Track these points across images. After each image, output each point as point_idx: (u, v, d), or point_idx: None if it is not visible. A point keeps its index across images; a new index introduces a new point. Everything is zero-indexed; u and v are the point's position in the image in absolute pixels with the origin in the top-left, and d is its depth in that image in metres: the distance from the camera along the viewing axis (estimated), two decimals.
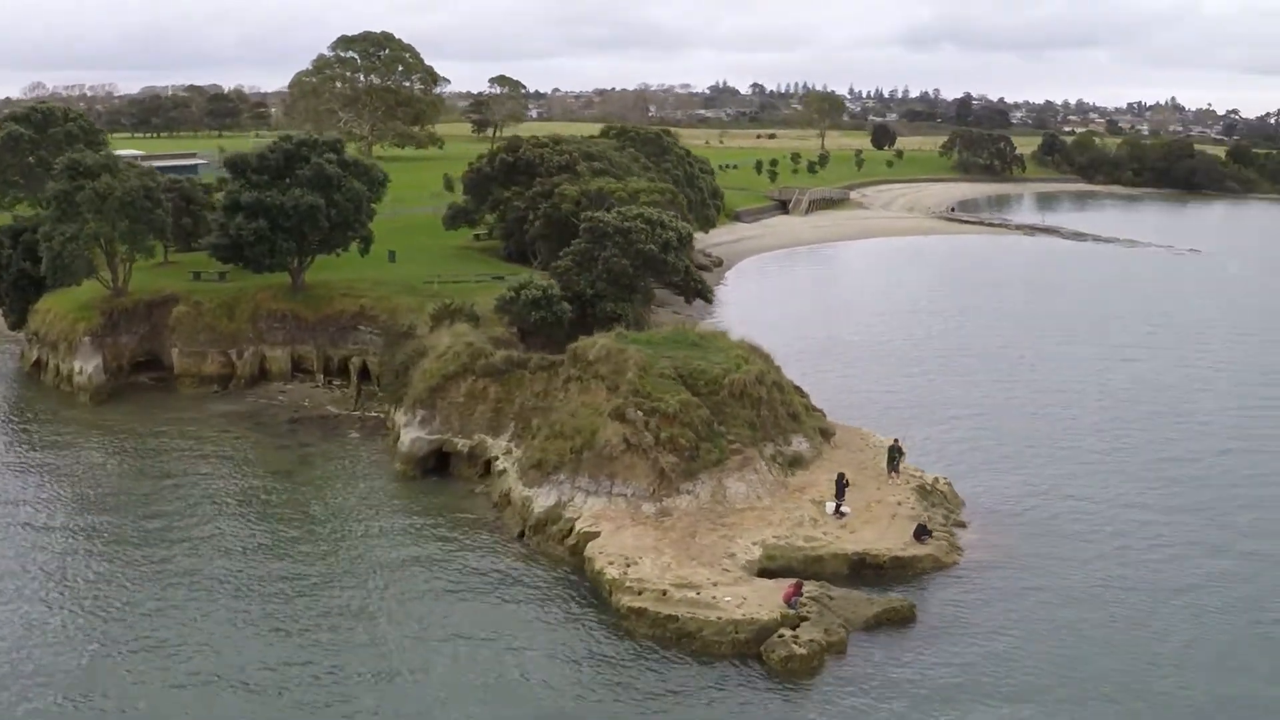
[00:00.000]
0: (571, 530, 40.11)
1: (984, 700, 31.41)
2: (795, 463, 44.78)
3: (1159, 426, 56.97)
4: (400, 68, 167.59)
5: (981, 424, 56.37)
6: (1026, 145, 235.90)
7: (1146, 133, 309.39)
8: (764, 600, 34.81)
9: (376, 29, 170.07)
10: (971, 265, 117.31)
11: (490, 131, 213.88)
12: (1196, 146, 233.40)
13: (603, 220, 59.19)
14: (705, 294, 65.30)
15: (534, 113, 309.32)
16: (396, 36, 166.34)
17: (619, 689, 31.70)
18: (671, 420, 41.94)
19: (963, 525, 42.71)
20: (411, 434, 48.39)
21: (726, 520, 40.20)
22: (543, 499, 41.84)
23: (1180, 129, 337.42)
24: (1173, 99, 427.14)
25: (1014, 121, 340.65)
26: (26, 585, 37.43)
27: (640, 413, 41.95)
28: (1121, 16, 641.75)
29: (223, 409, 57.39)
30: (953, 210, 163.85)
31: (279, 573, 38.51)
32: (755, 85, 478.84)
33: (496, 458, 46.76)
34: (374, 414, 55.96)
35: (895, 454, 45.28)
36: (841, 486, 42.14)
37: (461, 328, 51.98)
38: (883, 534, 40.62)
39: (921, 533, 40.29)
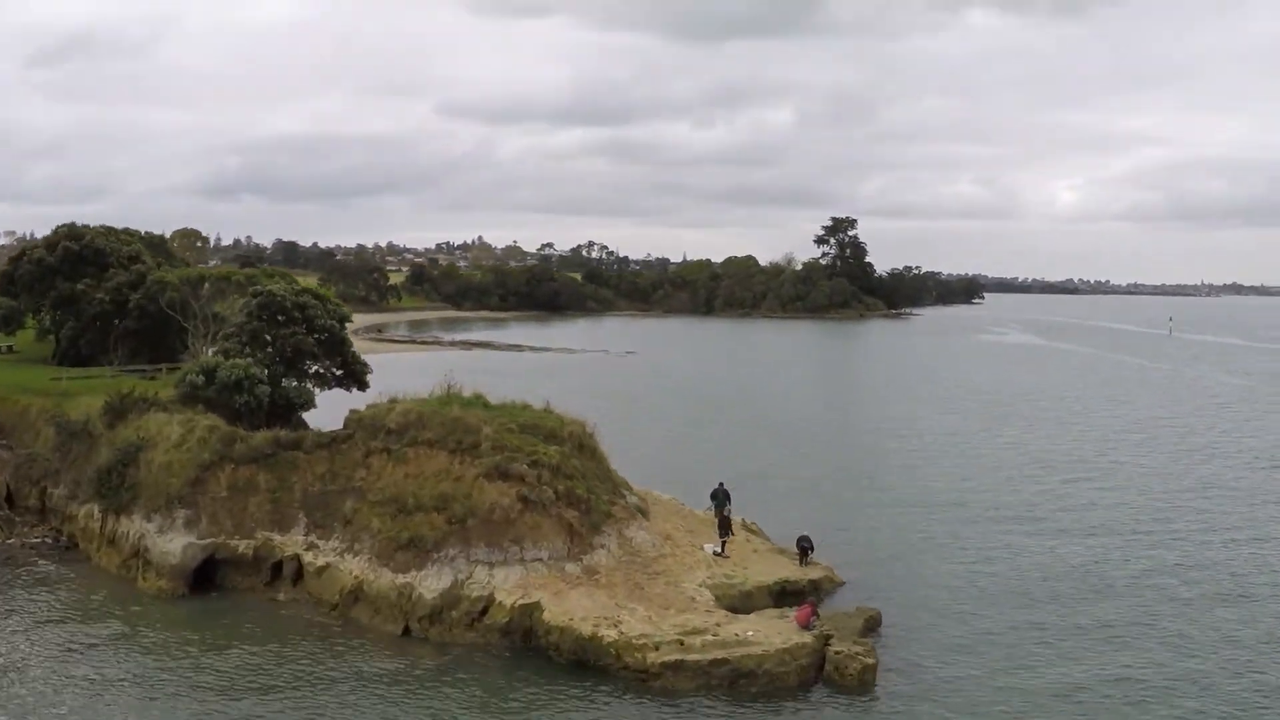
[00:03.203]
0: (487, 609, 33.72)
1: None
2: (642, 512, 41.79)
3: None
4: None
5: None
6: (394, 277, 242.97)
7: (465, 265, 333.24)
8: (777, 629, 32.26)
9: None
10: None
11: None
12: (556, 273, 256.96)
13: (276, 294, 50.93)
14: (364, 380, 58.28)
15: None
16: None
17: None
18: (557, 472, 37.22)
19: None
20: (177, 541, 37.41)
21: (652, 569, 36.48)
22: (431, 582, 34.60)
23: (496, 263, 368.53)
24: (479, 238, 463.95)
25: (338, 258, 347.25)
26: None
27: (527, 467, 36.70)
28: (418, 166, 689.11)
29: None
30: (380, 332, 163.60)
31: None
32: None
33: (297, 556, 37.75)
34: (36, 539, 42.18)
35: (721, 496, 44.14)
36: (726, 525, 40.24)
37: (188, 415, 41.51)
38: (774, 564, 39.61)
39: (803, 543, 40.17)
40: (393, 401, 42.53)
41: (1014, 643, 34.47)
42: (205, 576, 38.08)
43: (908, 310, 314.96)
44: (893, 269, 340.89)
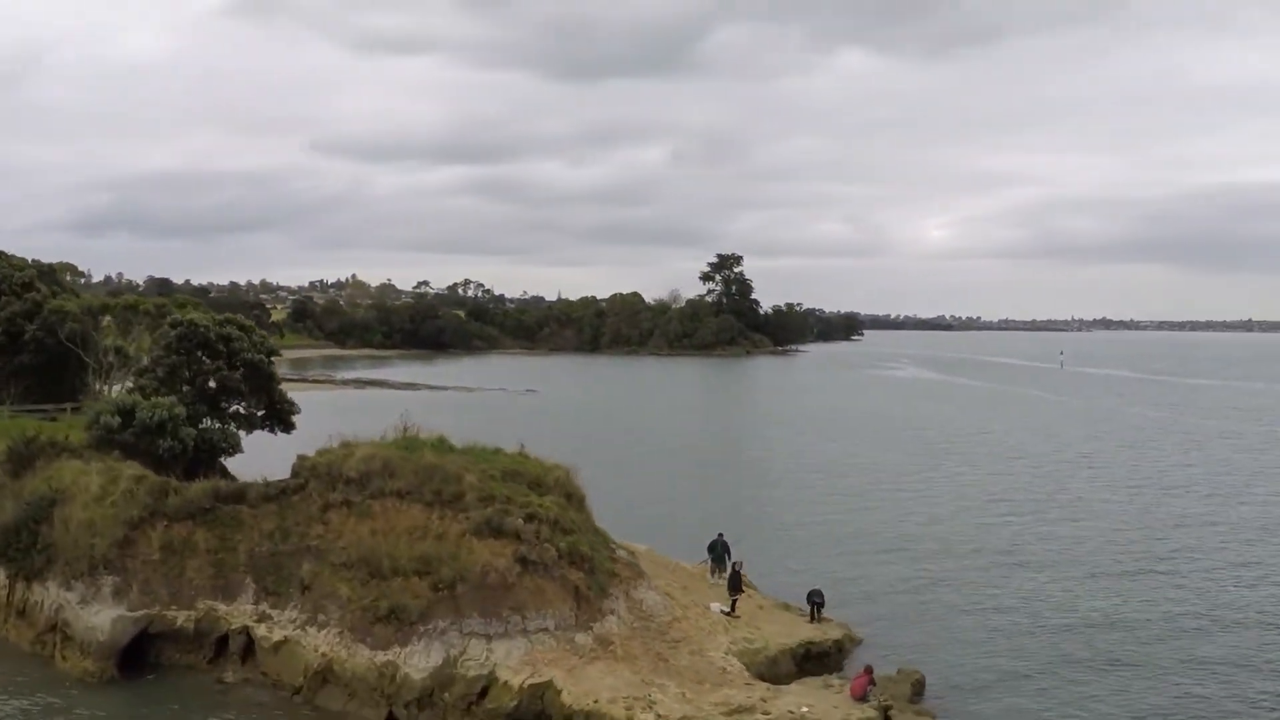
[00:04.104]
0: (488, 690, 28.69)
1: None
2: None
3: None
4: None
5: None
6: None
7: (343, 303, 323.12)
8: (832, 702, 28.07)
9: None
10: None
11: None
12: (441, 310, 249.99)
13: (199, 324, 45.03)
14: (290, 421, 52.17)
15: None
16: None
17: None
18: (556, 527, 32.41)
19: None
20: (104, 613, 31.35)
21: (669, 636, 31.91)
22: (419, 660, 29.37)
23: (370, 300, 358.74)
24: (354, 275, 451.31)
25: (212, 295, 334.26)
26: None
27: (522, 521, 31.81)
28: (291, 203, 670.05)
29: None
30: None
31: None
32: None
33: (246, 628, 32.08)
34: None
35: (720, 548, 39.91)
36: (736, 583, 35.93)
37: (108, 463, 35.45)
38: (786, 622, 35.60)
39: (815, 599, 36.38)
40: (347, 445, 37.20)
41: (1068, 695, 31.55)
42: (137, 654, 32.09)
43: (793, 347, 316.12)
44: (776, 306, 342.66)
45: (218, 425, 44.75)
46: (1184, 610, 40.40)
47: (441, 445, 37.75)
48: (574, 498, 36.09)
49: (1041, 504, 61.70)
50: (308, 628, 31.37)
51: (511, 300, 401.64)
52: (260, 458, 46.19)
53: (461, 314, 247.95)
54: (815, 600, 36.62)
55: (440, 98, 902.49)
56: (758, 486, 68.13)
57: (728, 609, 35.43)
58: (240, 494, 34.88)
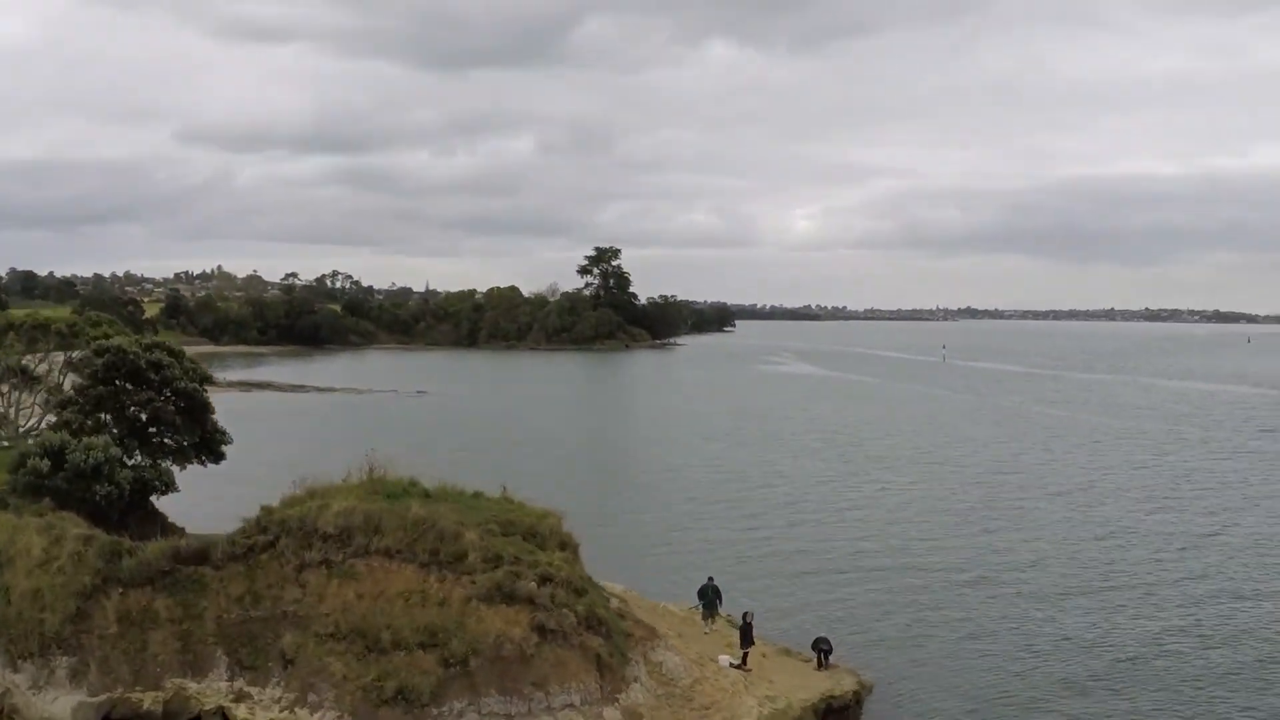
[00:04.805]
0: None
1: None
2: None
3: None
4: None
5: None
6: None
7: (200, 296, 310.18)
8: None
9: None
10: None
11: None
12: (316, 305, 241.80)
13: (128, 351, 40.67)
14: (220, 451, 47.60)
15: None
16: None
17: None
18: (570, 588, 29.65)
19: None
20: (63, 700, 27.38)
21: (696, 702, 29.64)
22: None
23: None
24: (219, 267, 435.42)
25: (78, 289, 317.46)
26: None
27: (535, 584, 28.97)
28: (155, 193, 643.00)
29: None
30: None
31: None
32: None
33: (221, 709, 28.53)
34: None
35: (711, 593, 37.60)
36: (749, 635, 33.69)
37: (47, 518, 31.24)
38: (795, 673, 33.63)
39: (822, 646, 34.70)
40: (313, 492, 33.83)
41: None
42: None
43: (671, 340, 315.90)
44: (653, 298, 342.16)
45: (149, 462, 40.62)
46: (1188, 626, 41.03)
47: (416, 490, 34.72)
48: (569, 547, 33.40)
49: (981, 514, 61.70)
50: (297, 709, 28.01)
51: (380, 292, 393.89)
52: (190, 493, 42.45)
53: (337, 308, 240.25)
54: (823, 648, 34.75)
55: (307, 86, 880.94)
56: (688, 501, 66.11)
57: (738, 662, 33.26)
58: (203, 554, 31.15)
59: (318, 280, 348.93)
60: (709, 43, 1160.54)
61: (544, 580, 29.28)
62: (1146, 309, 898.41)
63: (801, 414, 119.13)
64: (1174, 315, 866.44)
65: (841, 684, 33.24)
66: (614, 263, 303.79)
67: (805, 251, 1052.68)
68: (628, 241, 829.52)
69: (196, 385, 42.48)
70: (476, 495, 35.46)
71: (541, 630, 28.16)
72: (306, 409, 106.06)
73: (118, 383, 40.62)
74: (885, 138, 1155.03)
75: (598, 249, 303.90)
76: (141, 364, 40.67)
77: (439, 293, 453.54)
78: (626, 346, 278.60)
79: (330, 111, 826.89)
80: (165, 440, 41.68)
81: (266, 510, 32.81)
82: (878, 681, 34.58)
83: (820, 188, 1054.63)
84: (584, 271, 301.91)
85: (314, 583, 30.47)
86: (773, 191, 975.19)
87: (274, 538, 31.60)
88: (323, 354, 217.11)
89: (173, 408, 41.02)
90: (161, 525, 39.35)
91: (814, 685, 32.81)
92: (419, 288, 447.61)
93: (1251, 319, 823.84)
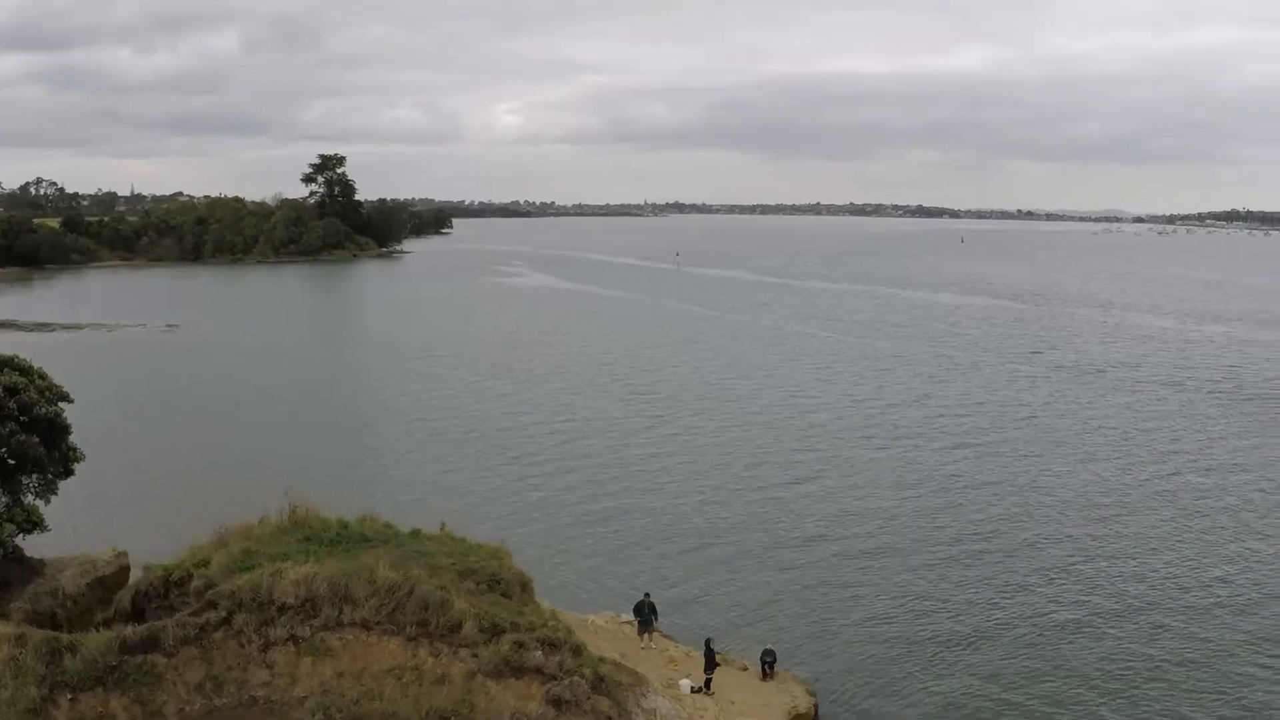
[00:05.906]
0: None
1: None
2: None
3: None
4: None
5: None
6: None
7: None
8: None
9: None
10: None
11: None
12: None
13: None
14: (72, 469, 42.01)
15: None
16: None
17: None
18: (569, 649, 28.85)
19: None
20: None
21: None
22: None
23: None
24: None
25: None
26: None
27: (540, 654, 28.01)
28: None
29: None
30: None
31: None
32: None
33: None
34: None
35: (647, 609, 37.59)
36: (712, 660, 34.00)
37: None
38: (757, 691, 34.59)
39: (768, 658, 35.78)
40: (223, 541, 31.86)
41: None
42: None
43: (396, 248, 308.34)
44: (373, 203, 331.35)
45: (10, 500, 36.29)
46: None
47: (349, 534, 32.93)
48: (526, 588, 32.59)
49: (808, 465, 62.76)
50: None
51: (86, 197, 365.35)
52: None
53: (55, 224, 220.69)
54: (767, 660, 35.68)
55: None
56: (498, 460, 64.08)
57: (700, 686, 33.65)
58: (152, 640, 28.21)
59: (20, 189, 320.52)
60: None
61: (550, 645, 28.41)
62: (852, 204, 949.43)
63: (568, 340, 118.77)
64: (879, 210, 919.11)
65: (796, 701, 34.16)
66: (339, 170, 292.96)
67: (512, 146, 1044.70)
68: (332, 139, 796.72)
69: (57, 409, 38.05)
70: (415, 534, 33.91)
71: (557, 703, 27.40)
72: (64, 354, 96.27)
73: None
74: (596, 32, 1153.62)
75: (322, 156, 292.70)
76: None
77: (144, 197, 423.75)
78: (354, 256, 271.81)
79: (27, 7, 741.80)
80: (31, 477, 37.23)
81: (209, 583, 29.99)
82: (822, 686, 35.88)
83: (528, 83, 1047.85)
84: (308, 180, 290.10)
85: (282, 662, 28.38)
86: (477, 86, 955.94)
87: (226, 613, 29.07)
88: (43, 275, 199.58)
89: (37, 438, 36.60)
90: (31, 568, 35.95)
91: (777, 703, 33.67)
92: (123, 191, 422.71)
93: (954, 214, 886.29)
